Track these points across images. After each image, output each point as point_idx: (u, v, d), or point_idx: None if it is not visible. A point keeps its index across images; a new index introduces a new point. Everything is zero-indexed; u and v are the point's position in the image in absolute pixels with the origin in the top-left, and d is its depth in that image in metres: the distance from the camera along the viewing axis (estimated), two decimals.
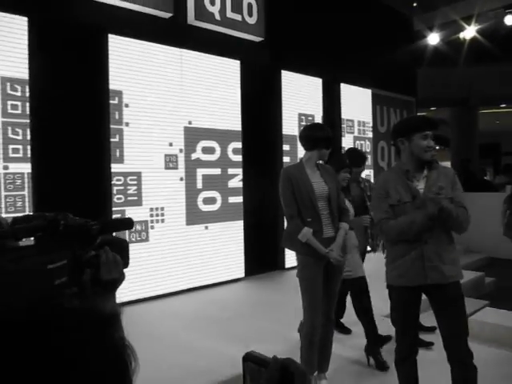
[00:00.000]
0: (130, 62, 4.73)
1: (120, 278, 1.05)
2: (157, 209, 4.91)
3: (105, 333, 0.55)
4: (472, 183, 9.46)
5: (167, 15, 5.01)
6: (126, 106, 4.70)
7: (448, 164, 14.19)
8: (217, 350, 3.43)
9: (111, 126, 4.59)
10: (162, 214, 4.95)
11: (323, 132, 2.87)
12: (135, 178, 4.74)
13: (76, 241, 0.95)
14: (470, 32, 8.10)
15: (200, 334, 3.83)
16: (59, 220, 0.93)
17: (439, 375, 2.65)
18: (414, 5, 9.71)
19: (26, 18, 4.05)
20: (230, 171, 5.62)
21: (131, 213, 4.59)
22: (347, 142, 7.26)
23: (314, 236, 2.75)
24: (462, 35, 8.21)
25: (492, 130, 18.17)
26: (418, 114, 9.48)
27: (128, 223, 1.17)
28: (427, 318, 3.32)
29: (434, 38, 8.42)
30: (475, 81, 12.81)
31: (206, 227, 5.37)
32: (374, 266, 6.37)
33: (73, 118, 4.42)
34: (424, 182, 2.37)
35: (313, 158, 2.88)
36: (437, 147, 2.65)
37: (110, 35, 4.59)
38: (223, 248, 5.54)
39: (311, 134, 2.88)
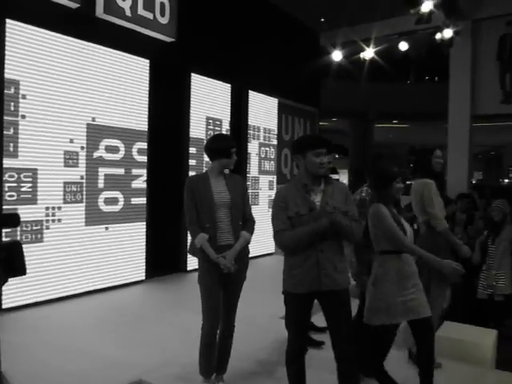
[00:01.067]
0: (30, 51, 4.45)
1: None
2: (53, 208, 4.66)
3: None
4: None
5: (74, 5, 4.78)
6: (23, 97, 4.41)
7: (346, 172, 15.18)
8: (114, 356, 3.36)
9: (5, 118, 4.28)
10: (59, 214, 4.71)
11: (221, 143, 2.96)
12: (30, 174, 4.46)
13: None
14: (368, 53, 8.72)
15: (97, 339, 3.71)
16: None
17: (328, 372, 2.86)
18: (322, 20, 10.25)
19: None
20: (134, 172, 5.50)
21: (24, 212, 4.31)
22: (252, 149, 7.46)
23: (209, 242, 2.84)
24: (362, 55, 8.82)
25: (386, 141, 19.73)
26: (320, 123, 10.02)
27: (13, 219, 1.12)
28: (320, 319, 3.53)
29: (337, 55, 8.94)
30: (373, 97, 13.85)
31: (107, 228, 5.20)
32: (273, 271, 6.61)
33: None
34: (321, 195, 2.55)
35: (215, 167, 2.97)
36: (336, 156, 2.85)
37: (7, 20, 4.28)
38: (124, 250, 5.40)
39: (210, 146, 2.98)
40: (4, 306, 4.30)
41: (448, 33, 7.70)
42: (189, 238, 2.83)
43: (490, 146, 21.65)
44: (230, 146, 2.94)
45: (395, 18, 8.84)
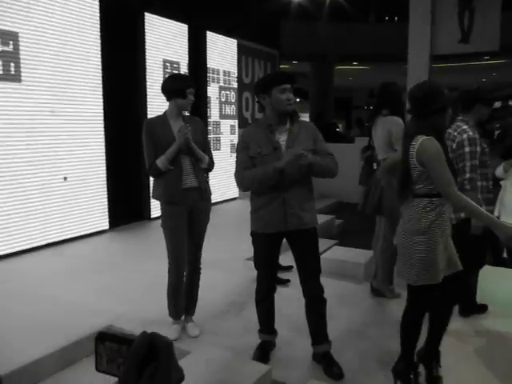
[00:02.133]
0: None
1: None
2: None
3: None
4: (326, 134, 10.23)
5: None
6: None
7: (307, 116, 15.17)
8: (82, 304, 3.36)
9: None
10: (19, 166, 4.51)
11: (175, 83, 2.86)
12: None
13: None
14: None
15: (65, 288, 3.69)
16: None
17: (295, 308, 2.97)
18: None
19: None
20: (90, 119, 5.28)
21: None
22: (212, 92, 7.28)
23: (172, 185, 2.81)
24: None
25: (345, 85, 19.69)
26: (281, 66, 9.86)
27: None
28: (285, 258, 3.63)
29: None
30: (333, 39, 13.63)
31: (65, 178, 5.04)
32: (237, 215, 6.69)
33: None
34: (286, 134, 2.53)
35: (173, 108, 2.90)
36: (297, 99, 2.81)
37: None
38: (85, 199, 5.28)
39: (165, 86, 2.89)
40: None
41: None
42: (151, 184, 2.77)
43: (448, 87, 22.01)
44: (185, 85, 2.85)
45: None
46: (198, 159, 2.89)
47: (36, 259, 4.52)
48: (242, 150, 2.52)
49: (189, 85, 2.87)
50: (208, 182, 3.04)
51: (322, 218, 6.18)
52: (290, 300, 3.31)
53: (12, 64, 4.44)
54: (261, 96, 2.53)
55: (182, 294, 3.02)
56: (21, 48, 4.50)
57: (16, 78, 4.48)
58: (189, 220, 2.93)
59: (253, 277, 2.85)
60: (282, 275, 3.91)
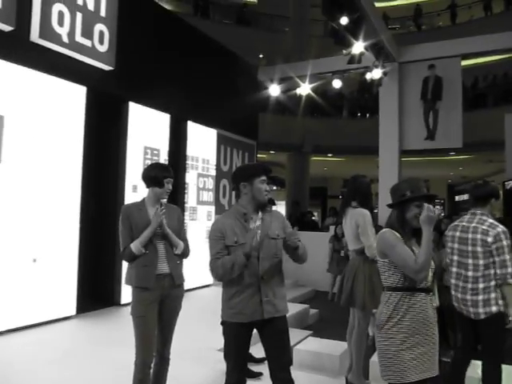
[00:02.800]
0: None
1: None
2: None
3: None
4: (302, 223, 10.44)
5: (7, 28, 4.63)
6: None
7: (283, 203, 15.47)
8: None
9: None
10: None
11: (153, 172, 2.96)
12: None
13: None
14: (304, 89, 9.11)
15: (28, 378, 3.45)
16: None
17: None
18: (261, 56, 10.62)
19: None
20: (67, 198, 5.28)
21: None
22: (191, 178, 7.44)
23: (145, 271, 2.80)
24: (298, 91, 9.19)
25: (320, 175, 20.38)
26: (258, 155, 10.22)
27: None
28: (258, 349, 3.51)
29: (274, 90, 9.25)
30: (309, 131, 14.37)
31: (34, 260, 4.91)
32: (209, 303, 6.52)
33: None
34: (260, 223, 2.59)
35: (151, 195, 2.97)
36: (274, 187, 2.92)
37: None
38: (54, 283, 5.11)
39: (144, 174, 3.00)
40: None
41: (377, 73, 8.24)
42: (123, 269, 2.73)
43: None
44: (162, 175, 2.94)
45: (329, 57, 9.34)
46: (173, 245, 2.91)
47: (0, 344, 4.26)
48: (217, 239, 2.54)
49: (166, 175, 2.95)
50: (181, 269, 3.02)
51: (296, 308, 6.08)
52: None
53: None
54: (242, 184, 2.61)
55: None
56: (4, 130, 4.60)
57: None
58: (160, 308, 2.87)
59: (223, 369, 2.74)
60: (254, 368, 3.77)
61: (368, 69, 8.33)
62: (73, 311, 5.33)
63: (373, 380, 3.72)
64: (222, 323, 2.64)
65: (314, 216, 13.62)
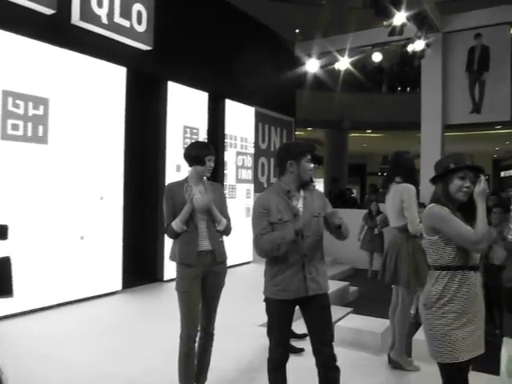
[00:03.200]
0: (4, 57, 4.36)
1: None
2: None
3: None
4: (341, 200, 10.34)
5: (49, 11, 4.73)
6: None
7: (321, 180, 15.34)
8: (94, 367, 3.30)
9: None
10: (34, 223, 4.60)
11: (194, 150, 2.99)
12: None
13: None
14: (343, 63, 8.88)
15: (77, 350, 3.64)
16: None
17: (309, 379, 2.86)
18: (297, 31, 10.40)
19: None
20: (110, 178, 5.43)
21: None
22: (229, 157, 7.47)
23: (187, 247, 2.85)
24: (336, 65, 8.97)
25: (359, 152, 20.01)
26: (296, 133, 10.13)
27: (1, 231, 1.02)
28: (299, 326, 3.54)
29: (312, 65, 9.07)
30: (347, 107, 14.07)
31: (82, 237, 5.11)
32: (250, 279, 6.61)
33: None
34: (302, 201, 2.58)
35: (193, 174, 3.00)
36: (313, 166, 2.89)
37: None
38: (100, 260, 5.30)
39: (186, 153, 3.03)
40: None
41: (420, 44, 7.92)
42: (166, 246, 2.79)
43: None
44: (203, 153, 2.96)
45: (369, 29, 9.05)
46: (215, 221, 2.94)
47: (47, 319, 4.48)
48: (262, 216, 2.54)
49: (207, 153, 2.98)
50: (224, 246, 3.06)
51: (336, 285, 6.08)
52: (303, 370, 3.19)
53: (40, 127, 4.66)
54: (289, 163, 2.58)
55: (193, 360, 2.94)
56: (50, 112, 4.74)
57: (43, 139, 4.69)
58: (203, 284, 2.93)
59: (265, 344, 2.78)
60: (296, 343, 3.81)
61: (410, 40, 8.01)
62: (119, 286, 5.54)
63: (415, 358, 3.70)
64: (265, 300, 2.67)
65: (352, 193, 13.46)
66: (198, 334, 2.96)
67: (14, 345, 3.70)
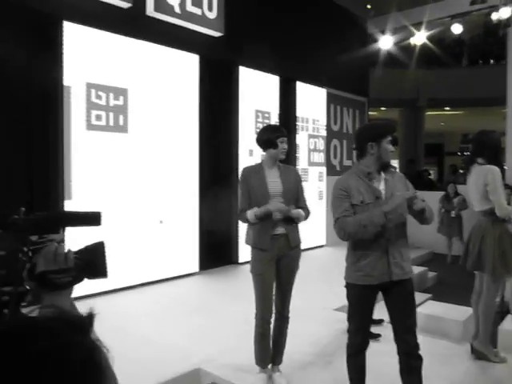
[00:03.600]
0: (85, 52, 4.61)
1: (64, 272, 0.98)
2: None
3: (79, 339, 0.57)
4: (418, 182, 9.92)
5: (126, 5, 4.91)
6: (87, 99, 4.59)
7: (396, 162, 14.81)
8: (173, 345, 3.46)
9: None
10: (118, 209, 4.88)
11: (265, 134, 3.00)
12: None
13: (26, 235, 0.95)
14: (419, 38, 8.44)
15: (158, 328, 3.84)
16: (9, 215, 0.94)
17: (386, 365, 2.82)
18: (368, 6, 10.01)
19: None
20: (186, 164, 5.61)
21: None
22: (301, 140, 7.41)
23: (261, 232, 2.89)
24: (412, 40, 8.55)
25: (436, 130, 19.03)
26: (369, 113, 9.81)
27: (94, 218, 1.09)
28: (376, 311, 3.48)
29: (386, 42, 8.70)
30: (423, 84, 13.38)
31: (161, 221, 5.34)
32: (323, 263, 6.57)
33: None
34: (383, 183, 2.51)
35: (267, 158, 3.02)
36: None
37: (64, 22, 4.46)
38: (178, 242, 5.53)
39: (258, 137, 3.04)
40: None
41: (506, 12, 7.31)
42: (240, 230, 2.85)
43: None
44: (274, 135, 2.96)
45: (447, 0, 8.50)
46: (295, 218, 2.93)
47: (128, 298, 4.76)
48: (343, 198, 2.48)
49: (278, 135, 2.97)
50: (298, 230, 3.05)
51: (414, 270, 5.88)
52: (380, 356, 3.14)
53: (121, 116, 4.90)
54: (370, 145, 2.50)
55: (269, 342, 3.00)
56: (129, 102, 4.97)
57: (124, 128, 4.93)
58: (277, 267, 2.96)
59: (340, 329, 2.77)
60: (373, 329, 3.74)
61: (494, 8, 7.42)
62: (196, 268, 5.75)
63: (501, 349, 3.50)
64: (347, 286, 2.60)
65: (430, 174, 12.86)
66: (273, 316, 3.01)
67: (97, 320, 3.96)
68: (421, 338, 2.60)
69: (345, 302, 2.67)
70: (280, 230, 2.93)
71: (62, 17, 4.44)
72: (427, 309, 4.31)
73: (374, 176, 2.50)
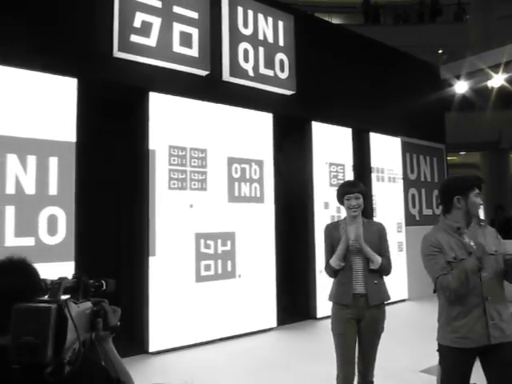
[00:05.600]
0: (168, 118, 4.99)
1: (118, 326, 1.30)
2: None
3: None
4: (507, 230, 9.27)
5: (204, 73, 5.29)
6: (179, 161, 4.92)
7: (481, 208, 13.96)
8: None
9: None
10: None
11: (338, 191, 3.07)
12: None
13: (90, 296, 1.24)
14: (497, 80, 8.18)
15: (232, 383, 3.82)
16: (82, 281, 1.21)
17: None
18: (440, 52, 9.93)
19: (75, 79, 4.36)
20: (263, 217, 5.72)
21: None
22: (378, 190, 7.30)
23: (343, 288, 2.87)
24: (489, 83, 8.29)
25: None
26: (449, 158, 9.48)
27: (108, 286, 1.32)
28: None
29: (461, 86, 8.52)
30: (505, 124, 12.79)
31: (239, 276, 5.42)
32: (407, 319, 6.25)
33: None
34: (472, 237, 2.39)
35: (347, 214, 3.03)
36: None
37: (150, 93, 4.88)
38: (255, 297, 5.55)
39: (337, 192, 3.09)
40: (151, 350, 4.67)
41: None
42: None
43: None
44: (341, 192, 3.03)
45: None
46: (369, 259, 2.89)
47: (210, 352, 4.80)
48: (436, 254, 2.36)
49: (344, 192, 3.00)
50: (379, 289, 2.95)
51: None
52: None
53: (200, 176, 5.18)
54: (457, 198, 2.41)
55: None
56: (208, 161, 5.24)
57: (203, 187, 5.19)
58: (359, 327, 2.88)
59: None
60: None
61: None
62: (274, 323, 5.70)
63: None
64: (440, 349, 2.41)
65: None
66: (356, 378, 2.90)
67: (177, 374, 4.02)
68: None
69: (432, 362, 2.52)
70: (359, 289, 2.88)
71: (148, 89, 4.87)
72: None
73: (463, 231, 2.41)
